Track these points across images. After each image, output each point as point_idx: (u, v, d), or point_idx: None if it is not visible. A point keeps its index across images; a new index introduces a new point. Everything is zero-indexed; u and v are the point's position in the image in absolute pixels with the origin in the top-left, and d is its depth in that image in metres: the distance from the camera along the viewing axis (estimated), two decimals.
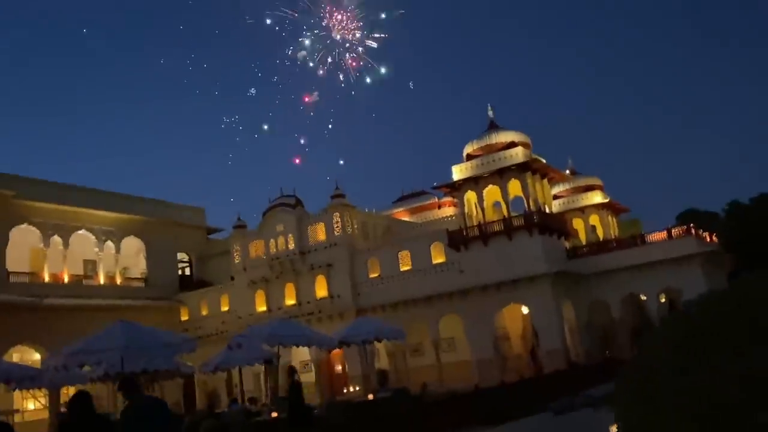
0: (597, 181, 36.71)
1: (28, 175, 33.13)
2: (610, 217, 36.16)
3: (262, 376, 29.41)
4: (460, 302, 27.43)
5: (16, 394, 24.12)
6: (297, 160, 78.88)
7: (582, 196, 35.81)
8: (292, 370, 12.27)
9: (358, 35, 61.53)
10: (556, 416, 12.69)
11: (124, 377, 6.87)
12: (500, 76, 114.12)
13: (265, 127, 76.05)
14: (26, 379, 14.71)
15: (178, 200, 45.90)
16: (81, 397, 5.43)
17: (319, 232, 31.54)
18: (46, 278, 32.13)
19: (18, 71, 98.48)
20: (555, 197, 35.17)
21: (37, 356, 28.93)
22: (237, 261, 33.98)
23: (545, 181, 29.51)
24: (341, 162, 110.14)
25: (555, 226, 28.14)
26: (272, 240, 32.54)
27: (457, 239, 28.07)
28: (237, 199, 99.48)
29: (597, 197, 35.50)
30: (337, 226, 30.99)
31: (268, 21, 65.93)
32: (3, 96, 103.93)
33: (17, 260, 31.24)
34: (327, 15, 61.03)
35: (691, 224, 27.57)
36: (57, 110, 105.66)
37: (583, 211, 35.52)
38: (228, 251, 35.28)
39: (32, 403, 27.21)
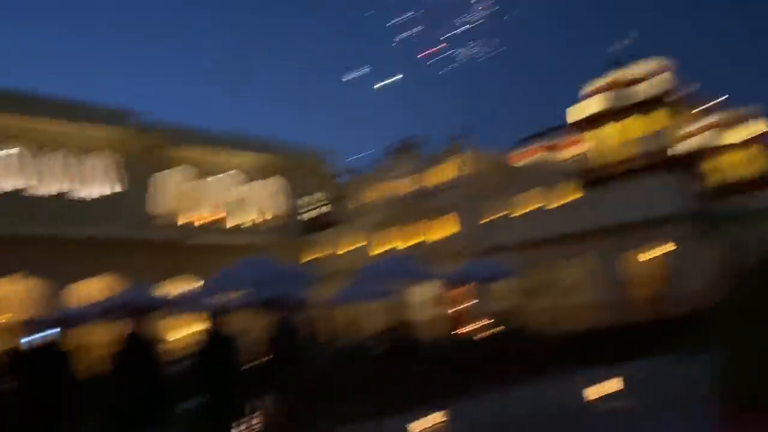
0: (755, 111, 33.24)
1: (174, 122, 35.86)
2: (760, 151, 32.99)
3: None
4: (588, 243, 26.65)
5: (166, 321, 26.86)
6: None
7: (734, 129, 32.78)
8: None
9: None
10: (679, 360, 12.27)
11: (268, 300, 7.66)
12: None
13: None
14: (178, 305, 16.43)
15: (313, 141, 47.93)
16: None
17: (439, 175, 31.72)
18: (192, 218, 35.19)
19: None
20: (702, 130, 32.59)
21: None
22: (361, 203, 35.14)
23: (688, 113, 27.43)
24: (463, 103, 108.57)
25: (695, 163, 26.27)
26: (393, 182, 33.21)
27: (587, 178, 27.10)
28: (366, 142, 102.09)
29: (752, 129, 32.28)
30: (457, 168, 30.96)
31: None
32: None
33: (169, 202, 34.37)
34: None
35: None
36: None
37: (734, 146, 32.61)
38: (357, 193, 36.56)
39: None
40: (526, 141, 40.81)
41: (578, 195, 27.50)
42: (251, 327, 10.57)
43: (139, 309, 13.57)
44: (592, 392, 10.06)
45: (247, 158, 37.48)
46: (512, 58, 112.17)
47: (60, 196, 29.56)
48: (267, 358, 7.91)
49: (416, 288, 27.96)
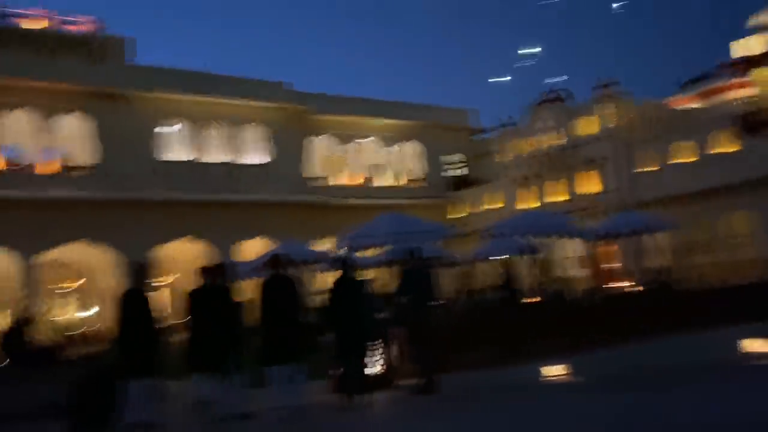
0: None
1: (319, 90, 37.36)
2: None
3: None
4: (752, 195, 24.25)
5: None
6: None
7: None
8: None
9: None
10: None
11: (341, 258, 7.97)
12: None
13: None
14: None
15: (451, 102, 47.77)
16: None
17: (588, 126, 30.22)
18: (339, 181, 36.70)
19: None
20: None
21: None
22: (505, 159, 34.50)
23: None
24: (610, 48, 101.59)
25: None
26: (539, 136, 32.20)
27: (752, 123, 24.53)
28: (506, 100, 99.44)
29: None
30: (608, 118, 29.32)
31: None
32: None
33: (317, 166, 36.11)
34: None
35: None
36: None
37: None
38: (497, 150, 35.95)
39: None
40: (686, 85, 37.58)
41: (740, 142, 25.01)
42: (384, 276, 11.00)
43: (287, 262, 14.60)
44: (746, 346, 9.39)
45: (391, 123, 38.19)
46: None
47: (220, 166, 32.15)
48: (396, 300, 8.29)
49: (566, 243, 27.44)
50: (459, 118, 42.37)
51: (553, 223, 14.88)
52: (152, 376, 6.57)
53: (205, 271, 7.30)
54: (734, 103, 31.56)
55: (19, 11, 29.88)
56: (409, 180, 39.65)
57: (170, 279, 31.05)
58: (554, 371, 9.09)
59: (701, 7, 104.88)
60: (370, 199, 35.47)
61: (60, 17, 30.07)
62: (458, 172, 41.53)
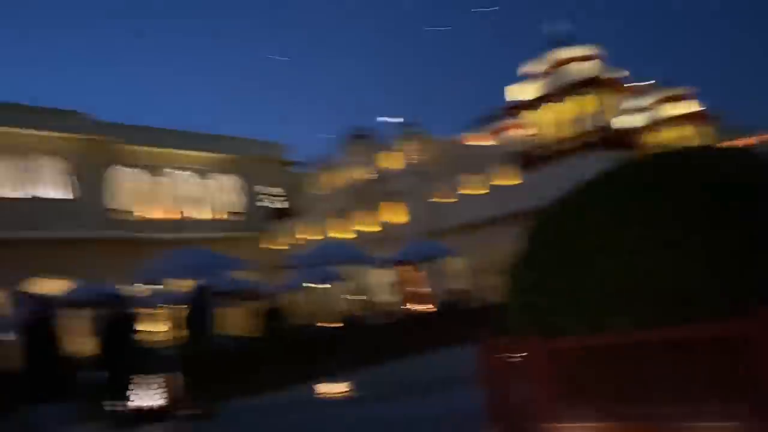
0: (689, 90, 34.59)
1: (125, 122, 35.95)
2: (703, 128, 34.31)
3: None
4: (520, 225, 27.60)
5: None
6: None
7: (671, 106, 33.97)
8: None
9: None
10: None
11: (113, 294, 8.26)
12: None
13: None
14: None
15: (266, 135, 48.37)
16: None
17: (392, 161, 32.50)
18: (150, 215, 35.48)
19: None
20: (642, 110, 33.91)
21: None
22: (317, 192, 35.80)
23: (619, 94, 28.57)
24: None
25: (630, 142, 27.41)
26: (349, 170, 33.95)
27: (526, 160, 28.05)
28: (317, 135, 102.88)
29: (688, 107, 33.58)
30: (409, 155, 31.78)
31: None
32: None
33: (126, 200, 34.60)
34: None
35: None
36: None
37: (671, 122, 33.88)
38: (311, 183, 37.16)
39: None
40: (476, 124, 41.78)
41: (519, 175, 28.46)
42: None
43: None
44: None
45: (203, 155, 37.79)
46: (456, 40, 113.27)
47: (15, 200, 29.71)
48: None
49: (378, 271, 29.10)
50: (276, 152, 43.03)
51: (346, 253, 16.00)
52: None
53: None
54: (517, 141, 35.82)
55: None
56: (225, 213, 39.43)
57: None
58: (331, 389, 9.94)
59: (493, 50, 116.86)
60: (185, 233, 34.76)
61: None
62: (278, 205, 42.14)
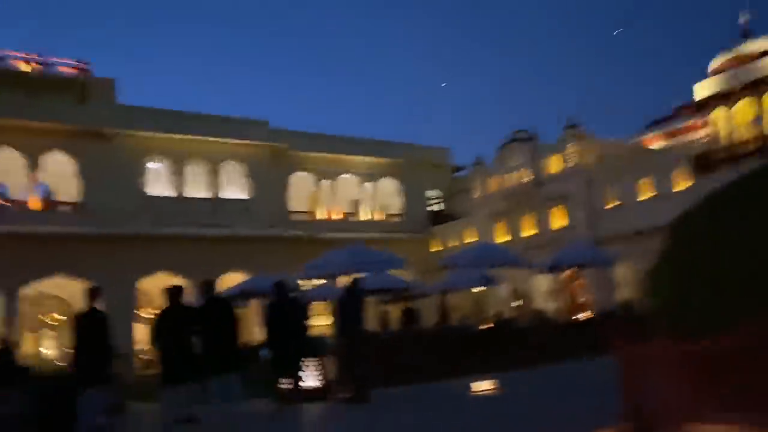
0: None
1: (298, 129, 38.69)
2: None
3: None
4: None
5: None
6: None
7: None
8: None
9: None
10: None
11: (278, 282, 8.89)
12: None
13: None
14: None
15: (428, 140, 49.40)
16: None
17: (555, 164, 31.70)
18: (319, 216, 37.88)
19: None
20: None
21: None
22: (477, 195, 35.87)
23: None
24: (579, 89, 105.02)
25: None
26: (509, 174, 33.64)
27: (704, 163, 25.95)
28: (478, 138, 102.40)
29: None
30: (572, 157, 30.79)
31: None
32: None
33: (296, 202, 37.29)
34: None
35: None
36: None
37: None
38: (470, 186, 37.32)
39: None
40: (652, 125, 39.37)
41: (699, 179, 26.37)
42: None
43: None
44: None
45: (368, 160, 39.53)
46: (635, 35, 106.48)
47: (203, 201, 33.29)
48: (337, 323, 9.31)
49: (541, 278, 28.66)
50: (438, 156, 43.78)
51: (500, 256, 15.98)
52: (105, 386, 7.50)
53: (170, 292, 8.08)
54: (695, 143, 33.21)
55: (8, 53, 31.22)
56: (387, 215, 40.89)
57: (147, 312, 31.94)
58: (481, 386, 10.08)
59: (669, 48, 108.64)
60: (350, 233, 36.56)
61: (47, 59, 31.41)
62: (435, 208, 42.93)
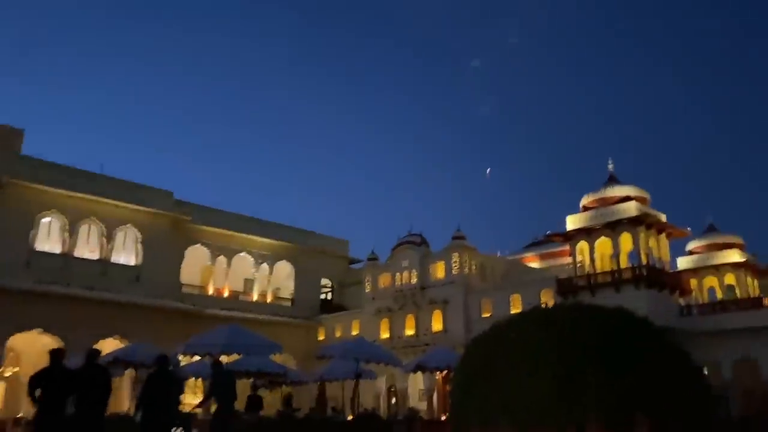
0: (736, 239, 35.19)
1: (201, 203, 39.40)
2: (749, 278, 34.48)
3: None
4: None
5: None
6: None
7: (718, 253, 34.57)
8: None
9: None
10: None
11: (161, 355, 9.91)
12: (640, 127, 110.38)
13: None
14: None
15: (324, 230, 51.15)
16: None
17: (439, 270, 34.11)
18: (211, 291, 38.05)
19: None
20: (690, 253, 34.68)
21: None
22: (368, 290, 37.54)
23: (662, 236, 29.56)
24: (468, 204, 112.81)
25: (666, 281, 28.11)
26: (398, 273, 35.71)
27: (566, 287, 29.06)
28: (374, 233, 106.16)
29: (734, 256, 34.10)
30: (455, 266, 33.33)
31: None
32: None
33: (190, 275, 37.38)
34: None
35: None
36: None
37: (717, 269, 34.30)
38: (361, 280, 38.96)
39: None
40: (528, 246, 43.33)
41: (561, 301, 29.36)
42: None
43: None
44: None
45: (266, 242, 40.47)
46: (521, 167, 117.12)
47: (91, 262, 32.85)
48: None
49: (414, 379, 30.03)
50: (336, 247, 45.42)
51: (373, 352, 17.38)
52: None
53: (53, 354, 8.77)
54: (563, 267, 36.85)
55: None
56: (279, 298, 41.58)
57: (12, 371, 30.52)
58: None
59: (555, 175, 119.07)
60: (240, 312, 36.87)
61: None
62: (327, 296, 44.12)
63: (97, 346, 28.95)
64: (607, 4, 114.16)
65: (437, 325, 33.43)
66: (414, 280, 34.87)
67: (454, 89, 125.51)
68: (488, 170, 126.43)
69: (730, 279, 33.91)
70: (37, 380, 8.47)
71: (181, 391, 9.77)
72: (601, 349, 5.67)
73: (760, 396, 25.70)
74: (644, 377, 5.48)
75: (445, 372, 22.41)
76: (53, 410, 8.37)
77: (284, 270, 41.86)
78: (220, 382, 10.17)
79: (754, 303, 27.39)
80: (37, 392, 8.24)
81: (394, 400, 35.23)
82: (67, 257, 32.03)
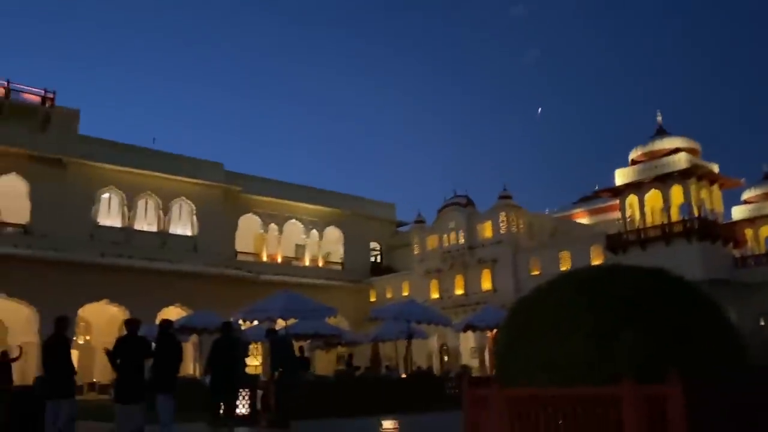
0: None
1: (251, 173, 40.37)
2: None
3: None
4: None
5: None
6: None
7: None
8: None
9: None
10: None
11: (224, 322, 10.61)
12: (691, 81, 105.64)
13: None
14: None
15: (373, 194, 51.79)
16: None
17: (487, 230, 34.31)
18: (264, 258, 39.31)
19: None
20: (745, 202, 33.85)
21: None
22: (416, 252, 38.10)
23: (715, 187, 28.96)
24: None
25: (719, 233, 27.64)
26: (445, 235, 36.10)
27: (616, 242, 28.93)
28: (421, 195, 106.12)
29: None
30: (503, 225, 33.47)
31: None
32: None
33: (243, 243, 38.69)
34: None
35: None
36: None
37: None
38: (410, 242, 39.54)
39: None
40: (578, 202, 42.90)
41: (611, 257, 29.23)
42: None
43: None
44: None
45: (315, 208, 41.39)
46: (568, 122, 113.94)
47: (153, 235, 34.36)
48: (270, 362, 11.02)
49: (465, 337, 30.62)
50: (383, 211, 46.04)
51: (422, 313, 17.92)
52: (68, 399, 8.94)
53: (129, 324, 9.60)
54: (613, 222, 36.48)
55: None
56: (329, 262, 42.61)
57: (84, 339, 32.47)
58: (388, 425, 11.91)
59: (600, 131, 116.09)
60: (293, 276, 38.03)
61: (15, 84, 32.39)
62: (376, 259, 44.97)
63: (160, 314, 30.86)
64: None
65: (486, 284, 33.80)
66: (462, 241, 35.19)
67: (497, 39, 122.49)
68: (539, 110, 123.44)
69: None
70: (117, 348, 9.24)
71: (246, 354, 10.50)
72: (633, 309, 5.98)
73: None
74: (675, 334, 5.76)
75: (494, 331, 22.86)
76: (133, 375, 9.13)
77: (333, 235, 42.78)
78: (277, 349, 10.85)
79: None
80: (118, 360, 9.02)
81: (446, 358, 36.00)
82: (127, 230, 33.58)
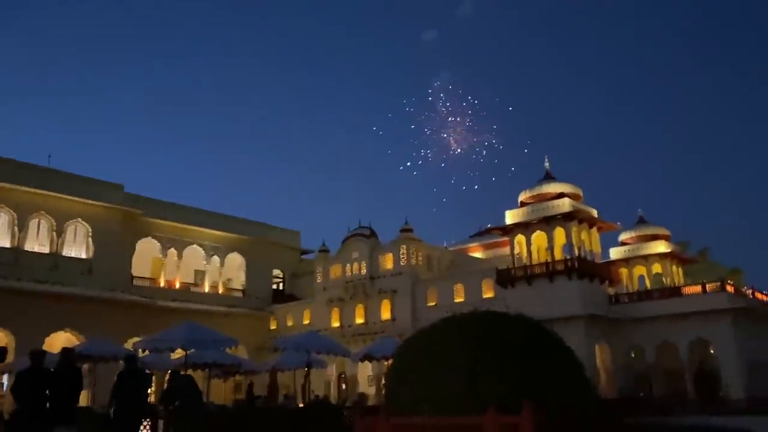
0: (663, 231, 37.75)
1: (152, 196, 39.71)
2: (674, 266, 37.15)
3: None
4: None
5: None
6: None
7: (646, 244, 37.04)
8: None
9: None
10: None
11: (129, 354, 11.05)
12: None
13: None
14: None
15: (277, 221, 51.97)
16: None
17: (388, 261, 35.59)
18: (162, 283, 38.53)
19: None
20: (622, 244, 37.05)
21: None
22: (319, 281, 38.74)
23: (593, 230, 31.74)
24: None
25: (596, 272, 30.26)
26: (348, 265, 37.04)
27: (505, 277, 30.95)
28: (326, 224, 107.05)
29: (660, 246, 36.67)
30: (403, 257, 34.89)
31: None
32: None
33: (141, 267, 37.80)
34: None
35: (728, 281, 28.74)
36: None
37: (646, 258, 36.81)
38: (314, 271, 40.09)
39: None
40: (476, 236, 45.25)
41: (500, 291, 31.18)
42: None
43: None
44: None
45: (217, 234, 41.15)
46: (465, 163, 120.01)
47: (41, 256, 32.95)
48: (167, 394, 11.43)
49: (362, 366, 31.39)
50: (288, 238, 46.32)
51: (322, 343, 18.64)
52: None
53: (34, 355, 9.74)
54: (503, 258, 38.83)
55: None
56: (230, 289, 42.34)
57: None
58: None
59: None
60: (192, 303, 37.54)
61: None
62: (278, 287, 45.09)
63: (48, 339, 29.66)
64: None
65: (386, 314, 34.95)
66: (363, 271, 36.26)
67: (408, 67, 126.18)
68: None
69: (657, 268, 36.47)
70: (22, 379, 9.39)
71: (150, 385, 10.87)
72: (498, 351, 7.18)
73: (677, 377, 28.17)
74: (531, 371, 6.99)
75: (390, 360, 23.87)
76: (35, 406, 9.29)
77: (236, 261, 42.58)
78: (179, 387, 11.34)
79: (674, 292, 29.79)
80: (21, 391, 9.19)
81: (344, 386, 36.64)
82: (17, 251, 32.09)
